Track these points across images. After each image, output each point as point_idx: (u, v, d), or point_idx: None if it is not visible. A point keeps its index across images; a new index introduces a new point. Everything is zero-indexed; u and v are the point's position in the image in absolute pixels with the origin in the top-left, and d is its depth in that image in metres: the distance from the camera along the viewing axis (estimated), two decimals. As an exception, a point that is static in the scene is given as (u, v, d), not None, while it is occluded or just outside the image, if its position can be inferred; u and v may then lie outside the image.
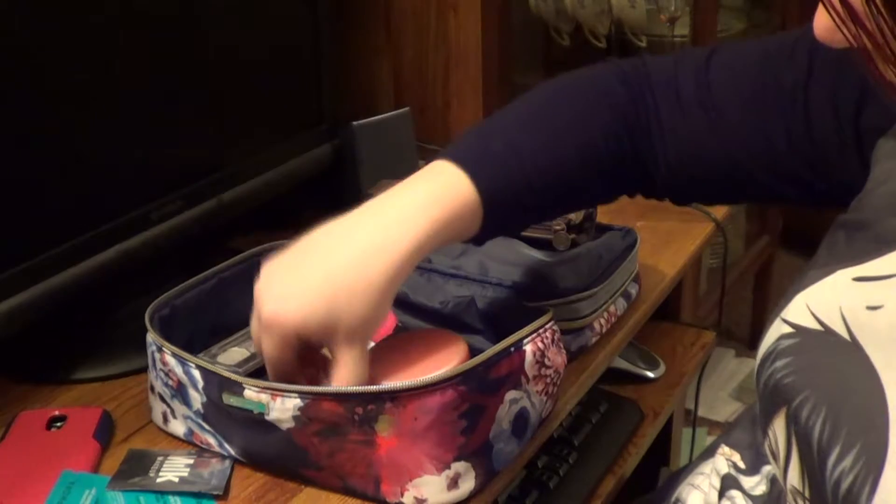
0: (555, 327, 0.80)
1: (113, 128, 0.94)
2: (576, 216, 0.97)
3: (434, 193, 0.72)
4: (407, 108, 1.27)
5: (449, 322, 0.88)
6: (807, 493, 0.58)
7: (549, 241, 0.97)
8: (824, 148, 0.71)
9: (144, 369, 0.85)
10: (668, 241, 1.16)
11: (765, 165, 0.74)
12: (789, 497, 0.61)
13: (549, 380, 0.79)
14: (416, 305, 0.91)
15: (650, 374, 1.18)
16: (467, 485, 0.74)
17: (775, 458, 0.61)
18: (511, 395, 0.75)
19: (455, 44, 1.38)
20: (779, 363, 0.60)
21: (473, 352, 0.79)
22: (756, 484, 0.70)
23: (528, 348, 0.76)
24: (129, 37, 0.93)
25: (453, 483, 0.73)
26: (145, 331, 0.81)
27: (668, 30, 1.70)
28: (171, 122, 1.00)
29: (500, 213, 0.74)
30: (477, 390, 0.72)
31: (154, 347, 0.81)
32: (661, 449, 1.26)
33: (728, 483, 0.72)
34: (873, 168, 0.64)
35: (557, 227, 0.97)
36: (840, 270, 0.59)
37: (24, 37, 0.83)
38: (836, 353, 0.56)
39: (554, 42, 1.78)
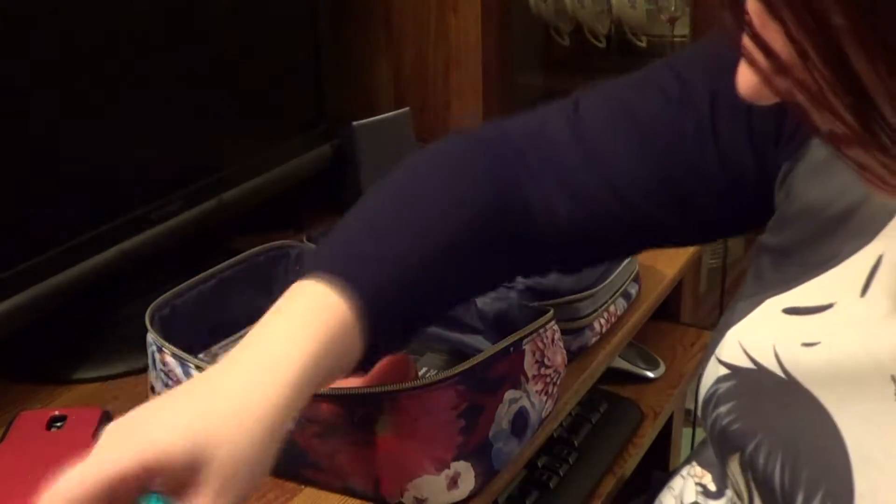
0: (555, 327, 0.80)
1: (113, 128, 0.94)
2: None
3: (303, 320, 0.59)
4: (407, 108, 1.27)
5: (449, 322, 0.88)
6: None
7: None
8: (739, 181, 0.64)
9: (144, 369, 0.85)
10: (668, 241, 1.16)
11: (653, 196, 0.66)
12: None
13: (548, 379, 0.79)
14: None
15: (650, 374, 1.18)
16: (467, 484, 0.74)
17: (740, 497, 0.60)
18: (510, 394, 0.75)
19: (455, 44, 1.38)
20: (722, 408, 0.57)
21: (473, 352, 0.79)
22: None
23: (528, 348, 0.76)
24: (129, 37, 0.93)
25: (453, 483, 0.73)
26: (145, 331, 0.81)
27: (668, 30, 1.70)
28: (171, 122, 1.00)
29: (382, 323, 0.62)
30: (476, 390, 0.72)
31: (154, 347, 0.81)
32: (661, 449, 1.26)
33: None
34: (787, 190, 0.60)
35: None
36: (769, 300, 0.57)
37: (23, 37, 0.83)
38: (777, 393, 0.54)
39: (554, 42, 1.78)
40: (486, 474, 0.75)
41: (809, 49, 0.38)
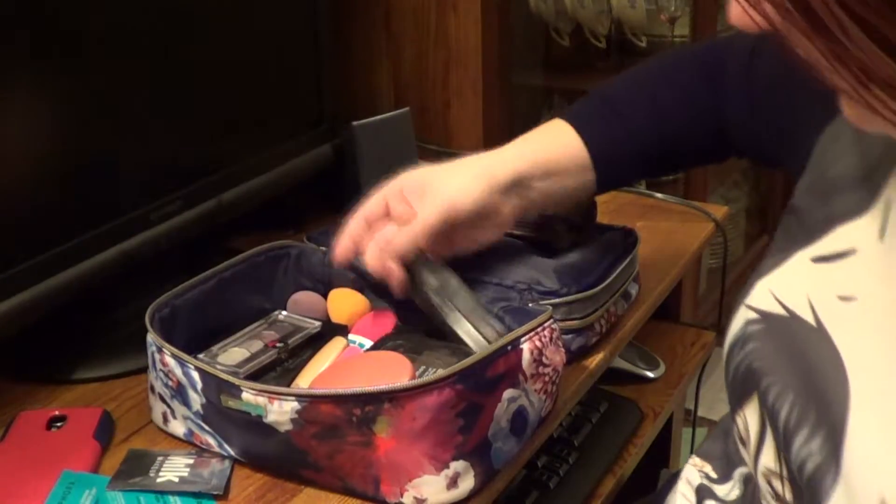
0: (554, 326, 0.80)
1: (113, 128, 0.94)
2: (576, 215, 0.97)
3: (536, 138, 0.87)
4: (407, 109, 1.27)
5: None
6: (784, 473, 0.59)
7: (549, 241, 0.97)
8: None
9: (144, 369, 0.85)
10: (668, 241, 1.16)
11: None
12: (762, 482, 0.61)
13: (547, 378, 0.79)
14: (417, 305, 0.91)
15: (650, 374, 1.18)
16: (467, 484, 0.74)
17: (745, 444, 0.62)
18: (509, 393, 0.75)
19: (455, 44, 1.38)
20: (748, 347, 0.61)
21: (472, 351, 0.79)
22: (730, 490, 0.70)
23: (526, 346, 0.76)
24: (129, 37, 0.94)
25: (453, 482, 0.73)
26: (145, 331, 0.81)
27: (668, 30, 1.70)
28: (172, 123, 1.00)
29: (609, 160, 0.87)
30: (474, 389, 0.72)
31: (154, 348, 0.81)
32: (661, 449, 1.26)
33: (703, 494, 0.72)
34: (815, 151, 0.66)
35: (557, 227, 0.97)
36: (797, 253, 0.61)
37: (23, 38, 0.84)
38: (803, 338, 0.57)
39: (554, 42, 1.78)
40: (486, 474, 0.75)
41: None
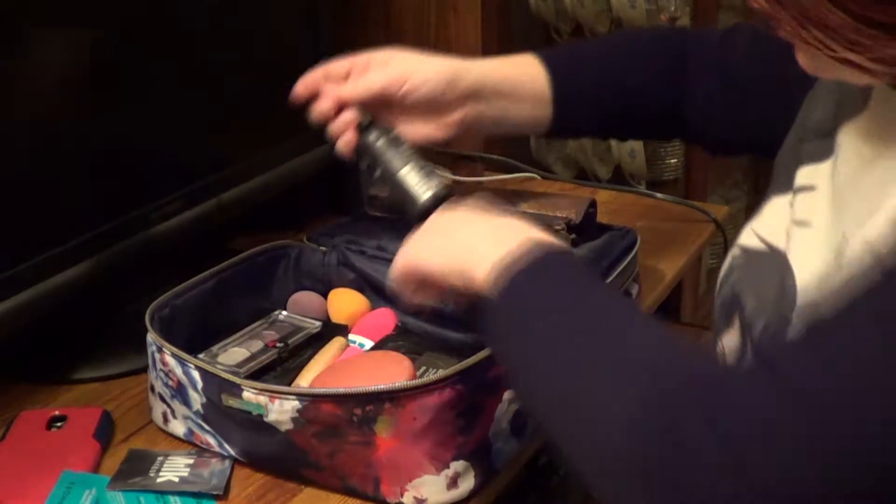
0: (554, 327, 0.80)
1: (113, 128, 0.94)
2: (576, 216, 0.97)
3: (507, 61, 0.90)
4: (407, 109, 1.27)
5: (450, 321, 0.88)
6: None
7: (548, 240, 0.96)
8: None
9: (144, 369, 0.85)
10: (668, 241, 1.16)
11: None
12: None
13: (548, 380, 0.79)
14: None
15: (650, 374, 1.18)
16: (467, 484, 0.74)
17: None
18: (509, 393, 0.75)
19: (455, 44, 1.38)
20: (732, 277, 0.70)
21: (474, 352, 0.79)
22: None
23: (528, 348, 0.76)
24: (129, 37, 0.93)
25: (453, 482, 0.73)
26: (145, 331, 0.81)
27: (668, 30, 1.70)
28: (171, 122, 1.00)
29: (566, 101, 0.89)
30: (475, 389, 0.72)
31: (154, 347, 0.81)
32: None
33: None
34: (802, 108, 0.73)
35: (557, 227, 0.97)
36: (776, 197, 0.70)
37: (23, 37, 0.83)
38: (777, 263, 0.65)
39: (554, 42, 1.78)
40: (486, 474, 0.75)
41: None
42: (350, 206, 0.89)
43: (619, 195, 1.29)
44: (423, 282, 0.72)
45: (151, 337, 0.81)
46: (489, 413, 0.74)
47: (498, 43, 1.39)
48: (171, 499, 0.74)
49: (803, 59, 0.57)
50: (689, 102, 0.92)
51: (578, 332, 0.59)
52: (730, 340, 0.69)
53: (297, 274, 0.97)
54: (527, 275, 0.62)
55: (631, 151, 1.63)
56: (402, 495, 0.73)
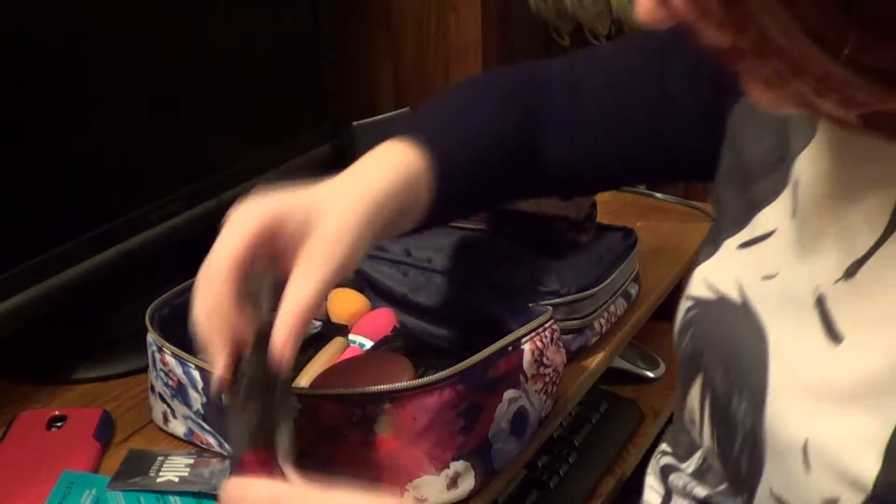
0: (554, 326, 0.80)
1: (113, 128, 0.94)
2: (576, 215, 0.97)
3: (380, 165, 0.71)
4: (407, 108, 1.27)
5: (450, 321, 0.88)
6: (716, 450, 0.62)
7: (549, 240, 0.97)
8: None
9: (144, 369, 0.85)
10: (668, 242, 1.16)
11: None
12: (708, 460, 0.65)
13: (548, 379, 0.79)
14: (416, 305, 0.91)
15: (650, 374, 1.18)
16: (467, 484, 0.74)
17: (693, 424, 0.65)
18: (509, 394, 0.75)
19: (455, 44, 1.38)
20: (689, 332, 0.65)
21: (473, 352, 0.79)
22: (689, 464, 0.71)
23: (527, 347, 0.76)
24: (129, 37, 0.93)
25: (453, 483, 0.73)
26: (145, 331, 0.81)
27: (668, 30, 1.69)
28: (171, 122, 1.00)
29: (447, 178, 0.73)
30: (475, 389, 0.72)
31: (154, 347, 0.81)
32: (661, 449, 1.26)
33: (666, 472, 0.73)
34: (727, 136, 0.67)
35: (557, 227, 0.97)
36: (726, 241, 0.64)
37: (23, 38, 0.83)
38: (730, 317, 0.60)
39: (554, 42, 1.78)
40: (486, 474, 0.75)
41: None
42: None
43: (619, 195, 1.29)
44: None
45: (151, 337, 0.81)
46: (489, 413, 0.74)
47: (498, 43, 1.39)
48: (171, 499, 0.74)
49: (762, 97, 0.48)
50: (544, 154, 0.81)
51: None
52: (696, 397, 0.64)
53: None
54: None
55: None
56: (401, 495, 0.73)
